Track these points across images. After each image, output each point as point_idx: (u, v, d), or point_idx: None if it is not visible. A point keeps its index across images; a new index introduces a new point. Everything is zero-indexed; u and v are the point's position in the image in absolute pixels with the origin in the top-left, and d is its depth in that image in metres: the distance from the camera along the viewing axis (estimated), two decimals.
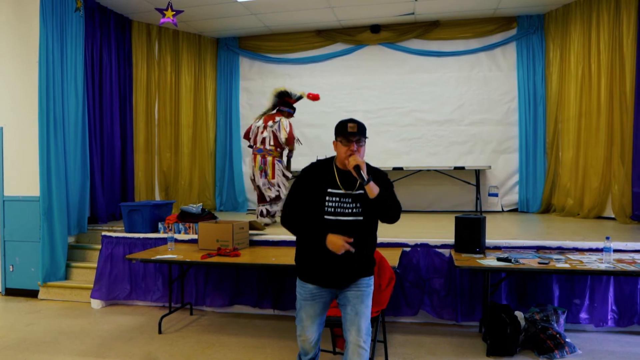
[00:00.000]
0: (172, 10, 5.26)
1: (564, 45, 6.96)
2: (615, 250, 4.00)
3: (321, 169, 2.58)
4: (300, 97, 6.00)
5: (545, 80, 7.31)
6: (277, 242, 4.77)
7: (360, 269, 2.60)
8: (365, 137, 2.53)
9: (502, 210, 7.59)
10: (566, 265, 3.60)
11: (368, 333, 2.56)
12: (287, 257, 4.25)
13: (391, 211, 2.49)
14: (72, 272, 5.68)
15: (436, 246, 4.45)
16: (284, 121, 5.72)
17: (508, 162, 7.60)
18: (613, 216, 6.17)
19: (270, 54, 8.31)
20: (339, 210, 2.49)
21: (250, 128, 5.90)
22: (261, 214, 5.83)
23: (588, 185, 6.52)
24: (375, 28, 7.78)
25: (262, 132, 5.71)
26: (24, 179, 5.65)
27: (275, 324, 4.53)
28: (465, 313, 4.36)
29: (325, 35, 8.00)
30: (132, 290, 5.14)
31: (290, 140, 5.67)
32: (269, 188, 5.69)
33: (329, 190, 2.51)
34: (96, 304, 5.14)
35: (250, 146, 5.90)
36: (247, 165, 8.48)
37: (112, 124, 6.82)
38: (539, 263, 3.66)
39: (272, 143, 5.65)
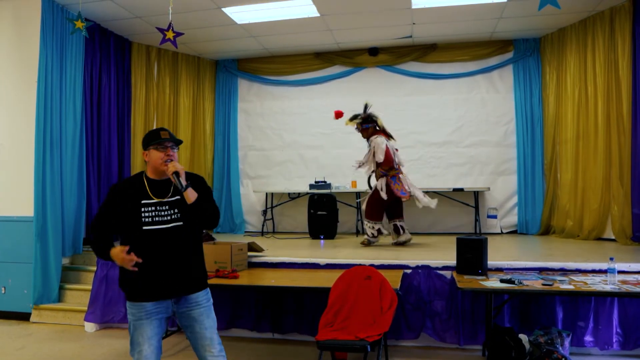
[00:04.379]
0: (173, 32, 5.27)
1: (560, 68, 7.03)
2: (619, 272, 3.93)
3: (131, 184, 2.59)
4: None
5: (542, 102, 7.36)
6: (276, 264, 4.70)
7: (196, 280, 2.58)
8: (177, 146, 2.59)
9: (502, 232, 7.54)
10: (571, 287, 3.54)
11: (220, 342, 2.59)
12: (287, 279, 4.19)
13: (208, 216, 2.52)
14: (65, 295, 5.56)
15: (437, 268, 4.39)
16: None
17: (507, 184, 7.59)
18: (613, 237, 6.13)
19: (269, 76, 8.35)
20: (157, 219, 2.49)
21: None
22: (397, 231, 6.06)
23: (587, 207, 6.49)
24: (373, 51, 7.85)
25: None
26: (19, 199, 5.58)
27: (274, 348, 4.42)
28: (467, 336, 4.27)
29: (324, 57, 8.07)
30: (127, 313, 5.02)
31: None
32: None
33: (143, 201, 2.51)
34: (90, 327, 5.02)
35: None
36: (244, 186, 8.44)
37: (110, 145, 6.78)
38: (543, 284, 3.60)
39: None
